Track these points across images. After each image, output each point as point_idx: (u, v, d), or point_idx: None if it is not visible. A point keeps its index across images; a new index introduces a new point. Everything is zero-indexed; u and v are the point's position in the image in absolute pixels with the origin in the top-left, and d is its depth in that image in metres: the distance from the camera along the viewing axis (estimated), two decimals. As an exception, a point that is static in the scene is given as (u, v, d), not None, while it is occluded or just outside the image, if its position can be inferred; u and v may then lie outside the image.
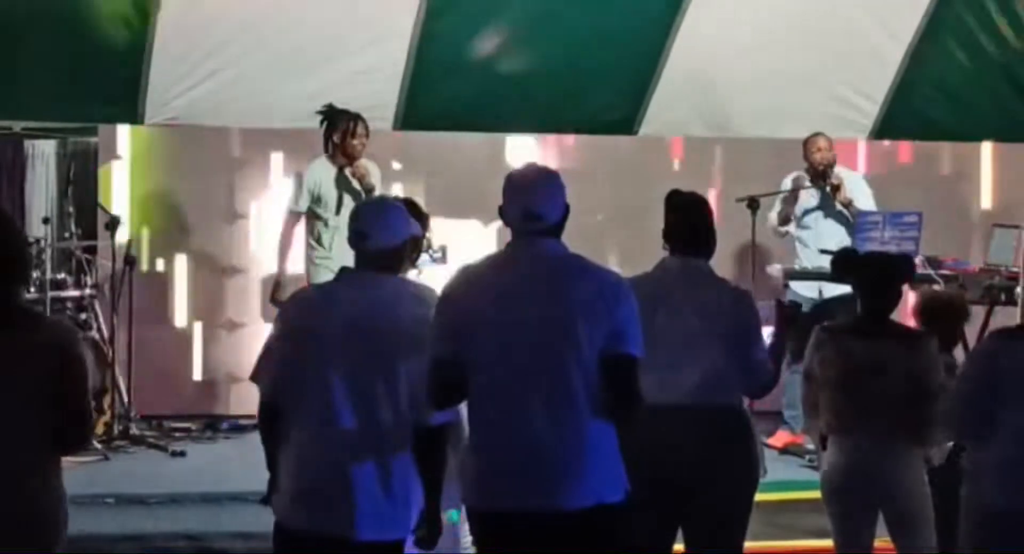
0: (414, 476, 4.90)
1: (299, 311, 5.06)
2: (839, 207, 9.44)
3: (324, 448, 4.86)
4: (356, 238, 5.01)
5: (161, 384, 10.05)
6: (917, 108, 10.77)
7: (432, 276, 6.86)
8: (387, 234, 5.00)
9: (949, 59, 10.66)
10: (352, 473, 4.83)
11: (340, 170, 9.09)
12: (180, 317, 10.34)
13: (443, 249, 6.79)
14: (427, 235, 6.13)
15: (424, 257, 6.33)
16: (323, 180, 9.09)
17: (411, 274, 6.00)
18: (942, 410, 5.31)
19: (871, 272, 5.97)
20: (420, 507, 4.92)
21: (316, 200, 9.10)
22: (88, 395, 4.73)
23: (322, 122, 9.19)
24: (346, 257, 5.26)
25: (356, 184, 9.02)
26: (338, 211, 8.95)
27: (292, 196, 9.30)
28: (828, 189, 9.45)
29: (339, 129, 9.10)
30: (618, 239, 10.52)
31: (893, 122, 10.83)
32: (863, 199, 9.50)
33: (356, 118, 9.14)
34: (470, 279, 4.93)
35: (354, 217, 5.07)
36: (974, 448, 5.24)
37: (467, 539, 5.43)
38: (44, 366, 4.55)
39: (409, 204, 6.11)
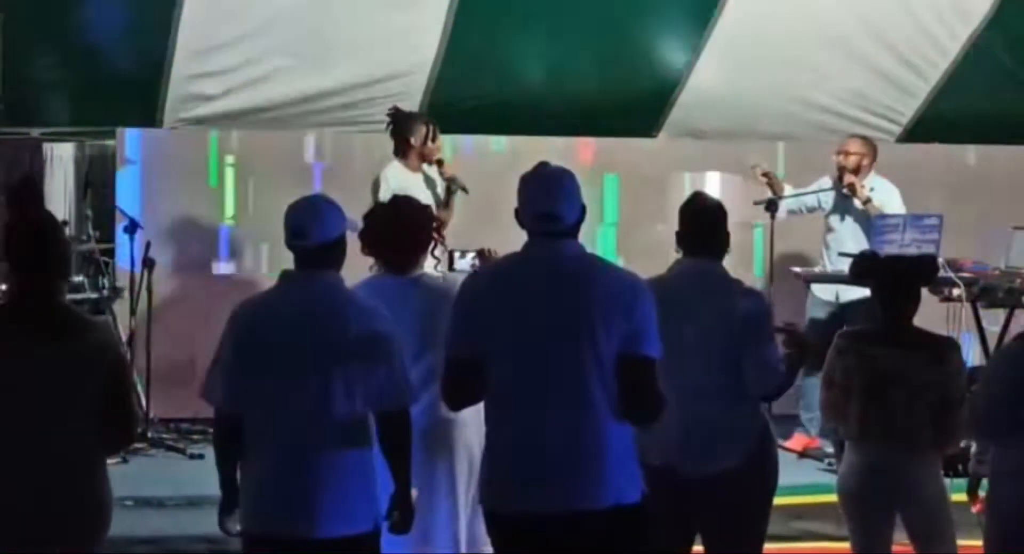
0: (375, 468, 4.92)
1: (246, 320, 5.02)
2: (859, 205, 9.40)
3: (282, 452, 4.87)
4: (293, 236, 4.99)
5: (179, 387, 10.05)
6: (945, 121, 10.79)
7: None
8: (323, 230, 4.97)
9: (978, 95, 10.71)
10: (312, 473, 4.85)
11: (424, 172, 8.99)
12: (197, 320, 10.32)
13: (478, 254, 6.69)
14: (440, 239, 6.11)
15: (463, 261, 6.33)
16: (409, 183, 8.83)
17: (428, 267, 6.02)
18: (968, 412, 5.28)
19: (892, 275, 5.93)
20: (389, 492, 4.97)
21: None
22: (132, 394, 4.82)
23: (390, 124, 9.07)
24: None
25: (440, 186, 8.94)
26: None
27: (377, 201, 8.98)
28: (844, 191, 9.43)
29: (417, 133, 8.93)
30: (634, 242, 10.51)
31: (920, 130, 10.85)
32: (893, 204, 9.45)
33: (431, 121, 9.04)
34: (487, 280, 4.95)
35: (288, 215, 5.03)
36: (997, 451, 5.23)
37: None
38: (91, 368, 4.67)
39: (418, 208, 6.09)
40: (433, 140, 8.95)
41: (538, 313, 4.68)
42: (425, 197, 8.81)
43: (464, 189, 8.95)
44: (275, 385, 4.87)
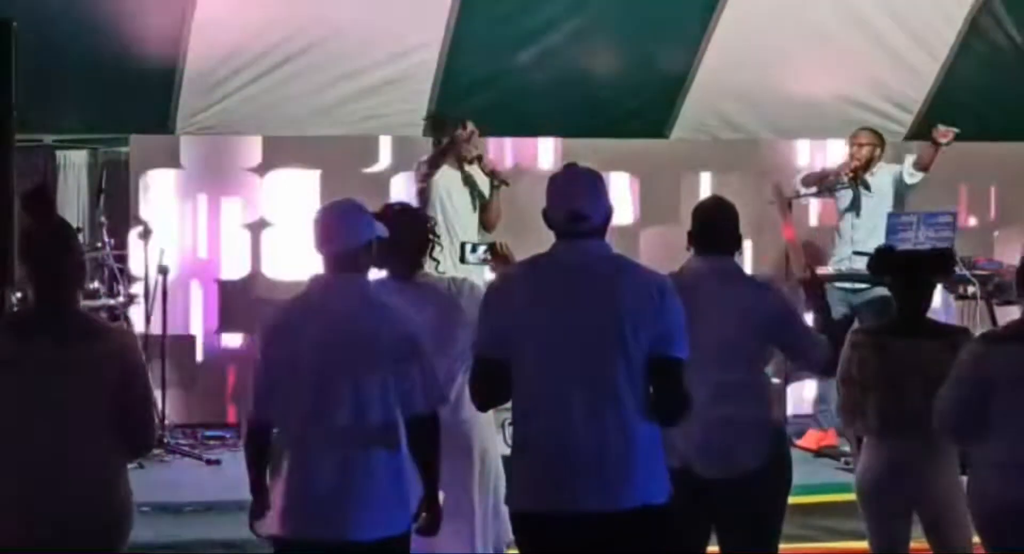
0: (410, 470, 4.94)
1: (276, 327, 5.02)
2: (867, 194, 9.43)
3: (319, 456, 4.88)
4: (321, 241, 5.00)
5: (195, 393, 10.07)
6: (952, 115, 10.75)
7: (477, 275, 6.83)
8: (351, 235, 4.99)
9: (985, 70, 10.68)
10: (349, 476, 4.86)
11: (465, 171, 8.98)
12: (213, 326, 10.34)
13: (489, 247, 6.66)
14: (436, 240, 6.11)
15: (475, 255, 6.32)
16: (451, 184, 8.91)
17: (429, 268, 6.01)
18: (936, 412, 5.30)
19: (910, 268, 5.94)
20: (419, 496, 4.99)
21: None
22: (150, 399, 4.84)
23: (431, 130, 9.11)
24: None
25: (484, 184, 8.94)
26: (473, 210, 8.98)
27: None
28: (859, 185, 9.45)
29: (447, 134, 8.95)
30: (648, 242, 10.53)
31: (927, 128, 10.81)
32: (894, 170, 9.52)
33: (464, 121, 9.00)
34: (515, 280, 4.95)
35: (317, 220, 5.05)
36: (971, 448, 5.28)
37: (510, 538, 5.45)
38: (107, 374, 4.68)
39: (413, 213, 6.09)
40: (467, 139, 8.92)
41: (566, 314, 4.68)
42: (463, 197, 8.88)
43: (505, 182, 8.95)
44: (308, 390, 4.87)
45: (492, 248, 6.25)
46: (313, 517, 4.88)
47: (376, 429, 4.87)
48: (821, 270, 9.53)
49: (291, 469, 4.92)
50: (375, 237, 5.08)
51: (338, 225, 5.01)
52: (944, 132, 9.22)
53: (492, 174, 8.93)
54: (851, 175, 9.41)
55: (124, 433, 4.74)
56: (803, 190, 9.60)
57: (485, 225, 8.95)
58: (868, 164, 9.46)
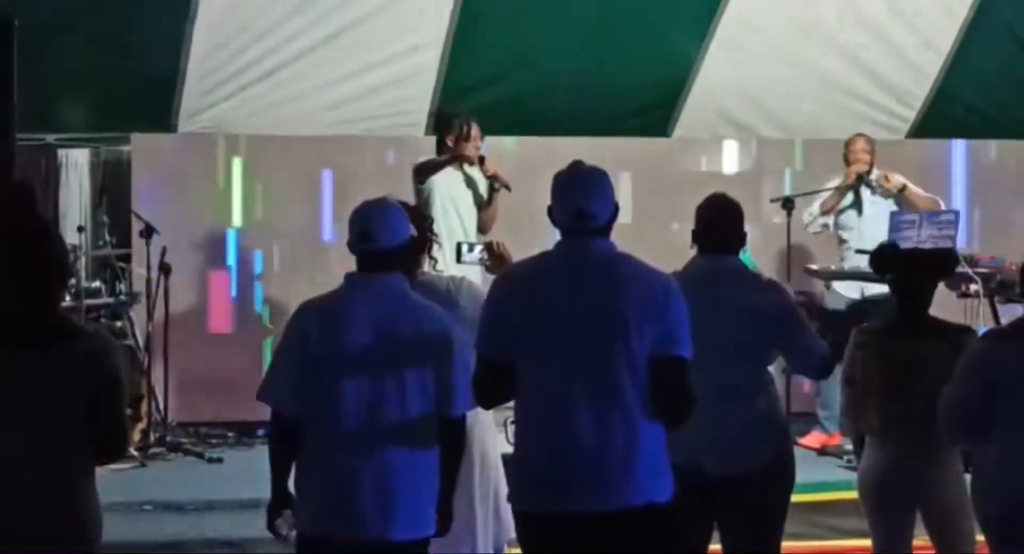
0: (438, 471, 4.94)
1: (313, 322, 4.98)
2: (882, 198, 9.42)
3: (354, 454, 4.85)
4: (360, 239, 4.97)
5: (197, 391, 10.07)
6: (955, 110, 10.76)
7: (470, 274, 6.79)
8: (392, 234, 4.97)
9: (988, 64, 10.68)
10: (386, 476, 4.83)
11: (465, 172, 8.95)
12: (215, 324, 10.34)
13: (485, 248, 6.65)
14: (434, 238, 6.11)
15: (472, 255, 6.31)
16: (452, 185, 8.88)
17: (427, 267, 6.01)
18: (940, 411, 5.29)
19: (913, 267, 5.93)
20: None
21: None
22: (124, 405, 4.75)
23: (436, 127, 9.08)
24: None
25: (483, 186, 8.92)
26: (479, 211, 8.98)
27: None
28: (874, 188, 9.44)
29: (451, 134, 8.89)
30: (650, 241, 10.51)
31: (930, 124, 10.82)
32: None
33: (467, 120, 8.94)
34: (520, 278, 4.92)
35: (357, 218, 5.02)
36: (974, 447, 5.28)
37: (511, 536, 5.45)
38: (81, 378, 4.56)
39: (410, 210, 6.09)
40: (467, 139, 8.87)
41: (570, 312, 4.67)
42: (465, 198, 8.85)
43: (506, 187, 8.90)
44: (351, 388, 4.84)
45: (488, 247, 6.23)
46: (355, 516, 4.84)
47: (418, 428, 4.85)
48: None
49: (330, 467, 4.88)
50: (410, 236, 5.07)
51: (378, 223, 4.98)
52: (887, 182, 9.31)
53: (493, 178, 8.92)
54: (858, 180, 9.43)
55: (94, 437, 4.61)
56: (821, 219, 9.61)
57: (481, 227, 8.93)
58: (871, 167, 9.50)
